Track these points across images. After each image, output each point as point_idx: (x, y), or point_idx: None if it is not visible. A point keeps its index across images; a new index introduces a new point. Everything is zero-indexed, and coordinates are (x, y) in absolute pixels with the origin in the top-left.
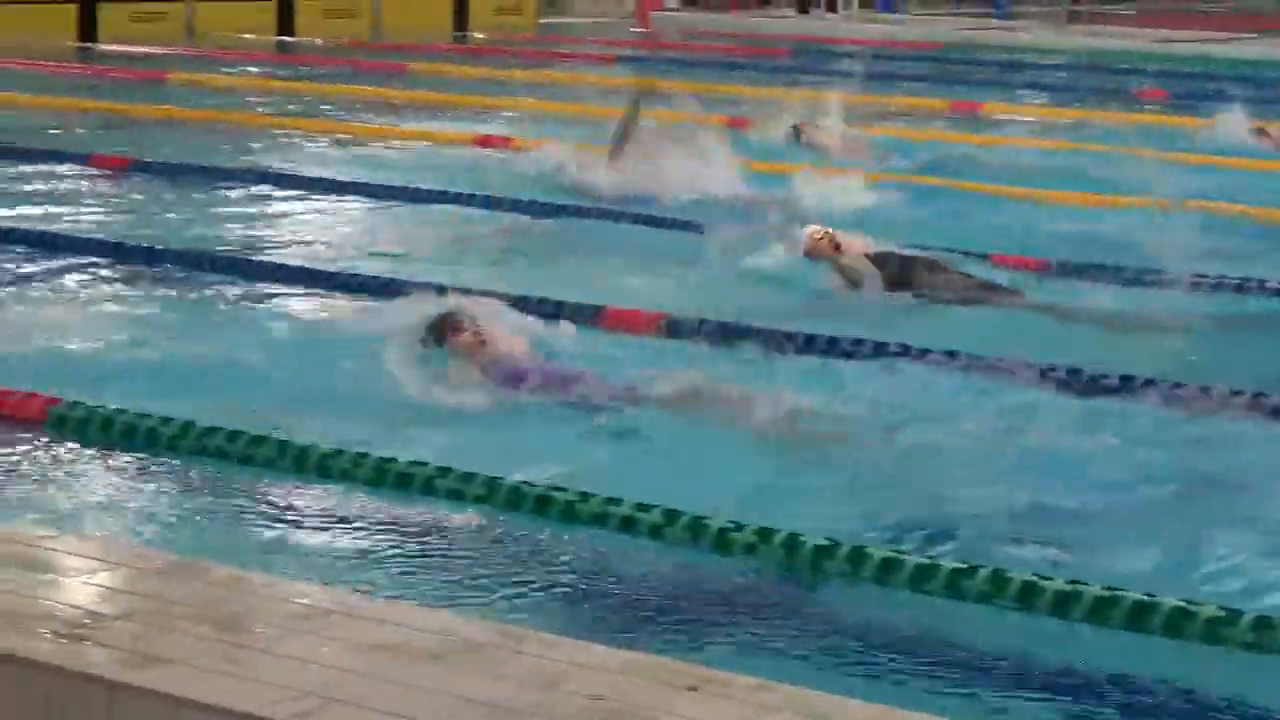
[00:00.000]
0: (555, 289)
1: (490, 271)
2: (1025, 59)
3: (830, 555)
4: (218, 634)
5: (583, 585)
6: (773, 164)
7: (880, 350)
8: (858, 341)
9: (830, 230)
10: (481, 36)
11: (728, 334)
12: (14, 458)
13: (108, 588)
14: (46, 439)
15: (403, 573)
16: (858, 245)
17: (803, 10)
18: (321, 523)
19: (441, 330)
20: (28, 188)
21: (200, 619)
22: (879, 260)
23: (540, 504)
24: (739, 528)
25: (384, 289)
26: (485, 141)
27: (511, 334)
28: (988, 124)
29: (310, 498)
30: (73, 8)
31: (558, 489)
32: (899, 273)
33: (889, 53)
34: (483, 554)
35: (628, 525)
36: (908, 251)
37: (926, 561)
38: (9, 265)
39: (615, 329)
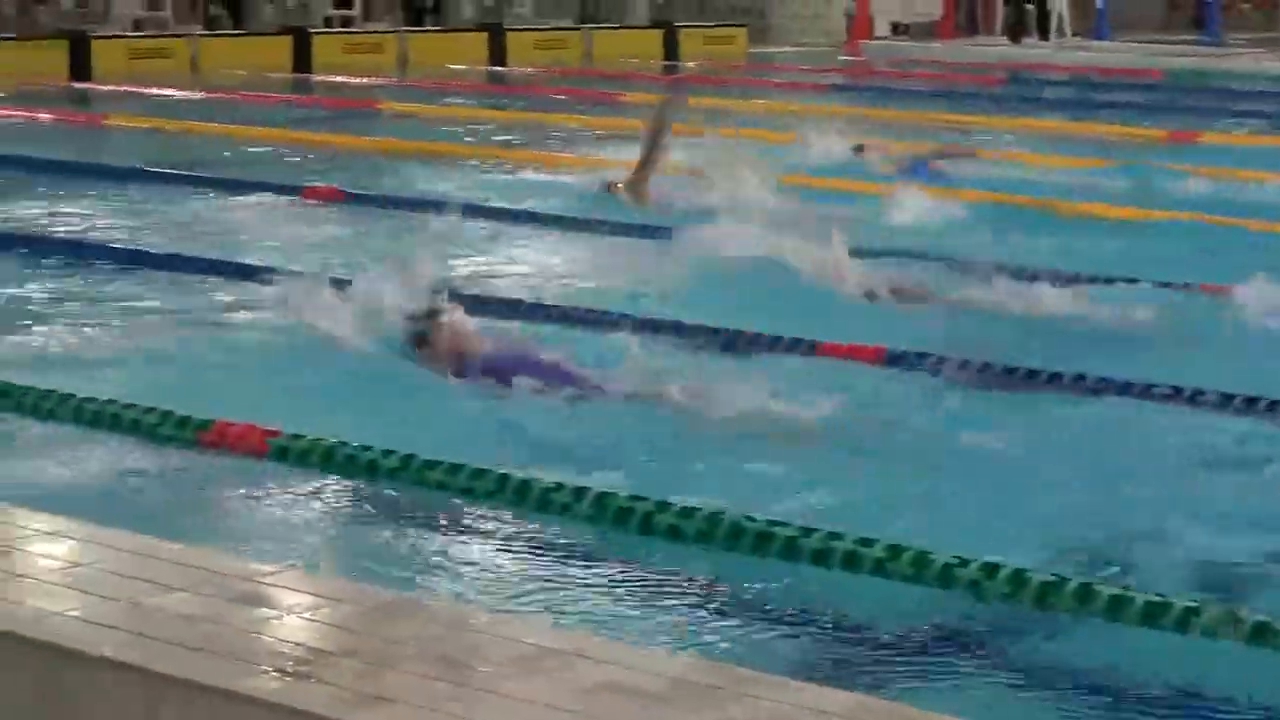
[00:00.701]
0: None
1: (707, 303)
2: (1242, 85)
3: (1057, 592)
4: (440, 673)
5: (809, 624)
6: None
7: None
8: None
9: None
10: (692, 65)
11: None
12: (236, 491)
13: (329, 625)
14: (267, 471)
15: (627, 612)
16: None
17: (1014, 39)
18: (543, 559)
19: (420, 325)
20: (240, 219)
21: (422, 658)
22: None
23: (761, 540)
24: (963, 563)
25: (595, 321)
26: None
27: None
28: (1204, 151)
29: (532, 533)
30: (288, 39)
31: (778, 524)
32: None
33: (1102, 80)
34: (707, 592)
35: (850, 561)
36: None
37: (1157, 599)
38: (221, 296)
39: (832, 359)
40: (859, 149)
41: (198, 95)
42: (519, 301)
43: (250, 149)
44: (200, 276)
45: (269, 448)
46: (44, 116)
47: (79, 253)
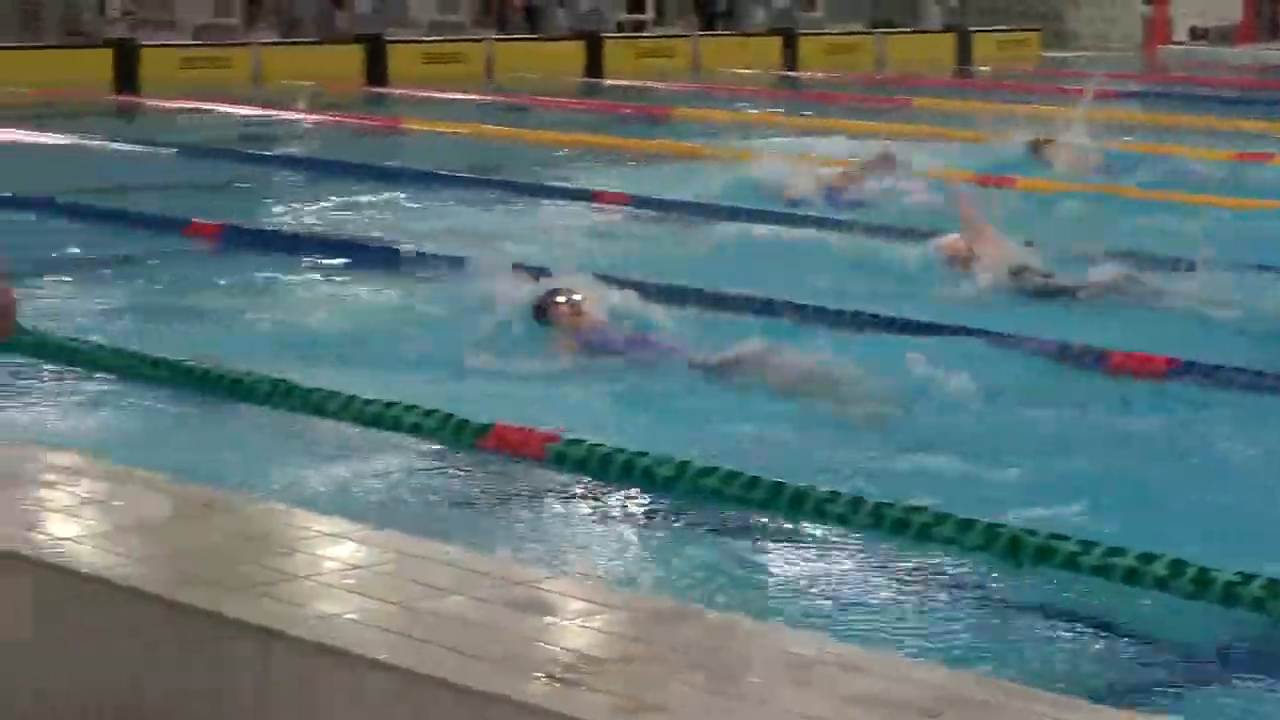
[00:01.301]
0: None
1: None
2: None
3: None
4: (712, 683)
5: (1086, 639)
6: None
7: None
8: None
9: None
10: (985, 70)
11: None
12: (513, 494)
13: (602, 631)
14: (545, 476)
15: (898, 622)
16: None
17: None
18: (815, 569)
19: (542, 303)
20: (530, 224)
21: (694, 666)
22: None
23: (1041, 554)
24: (1246, 580)
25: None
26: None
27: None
28: None
29: (805, 541)
30: (580, 44)
31: (1058, 538)
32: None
33: None
34: (980, 604)
35: (1131, 576)
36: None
37: None
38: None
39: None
40: (1037, 147)
41: (490, 99)
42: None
43: (541, 153)
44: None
45: (547, 453)
46: (339, 120)
47: (365, 254)
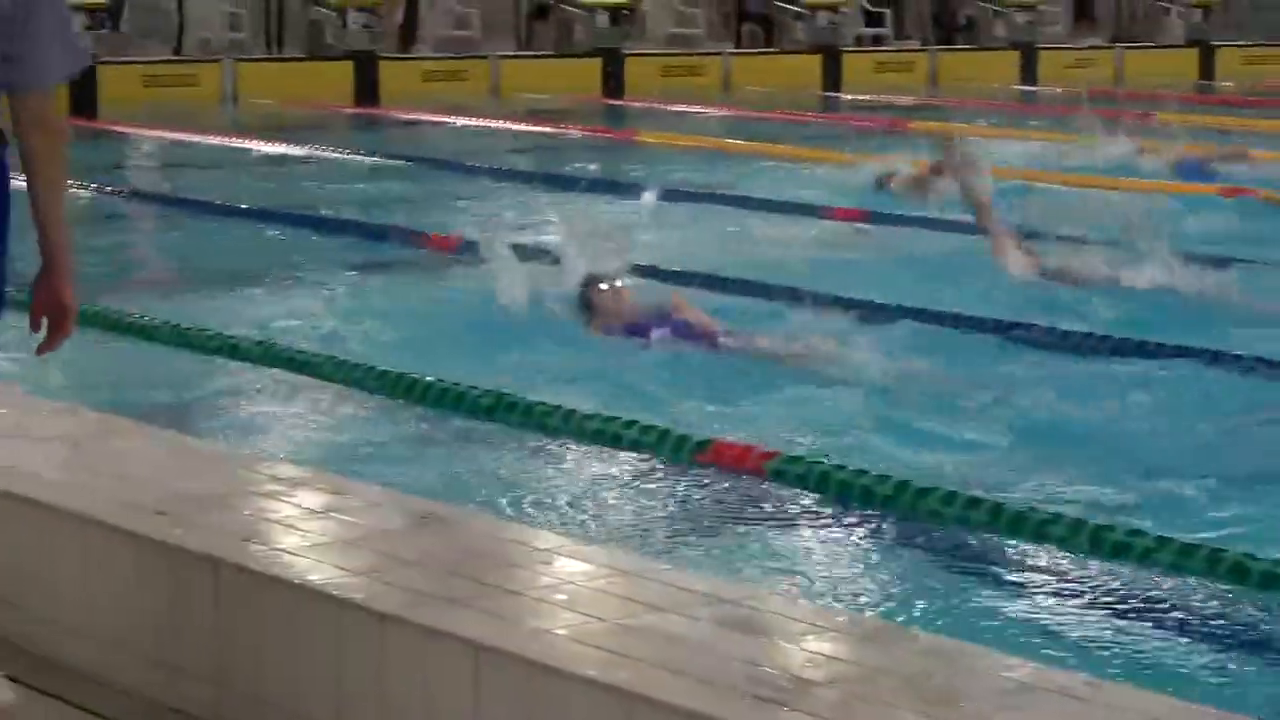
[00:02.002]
0: None
1: None
2: None
3: None
4: (924, 706)
5: None
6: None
7: None
8: None
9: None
10: (1229, 85)
11: None
12: (729, 511)
13: (813, 652)
14: (763, 492)
15: (1119, 649)
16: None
17: None
18: (1033, 593)
19: (586, 290)
20: (767, 237)
21: (906, 690)
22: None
23: (1268, 580)
24: None
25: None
26: (1231, 192)
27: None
28: None
29: (1022, 564)
30: (817, 58)
31: None
32: None
33: None
34: (1208, 633)
35: None
36: None
37: None
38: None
39: None
40: (1141, 150)
41: (727, 113)
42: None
43: (778, 167)
44: (732, 296)
45: (765, 469)
46: (574, 132)
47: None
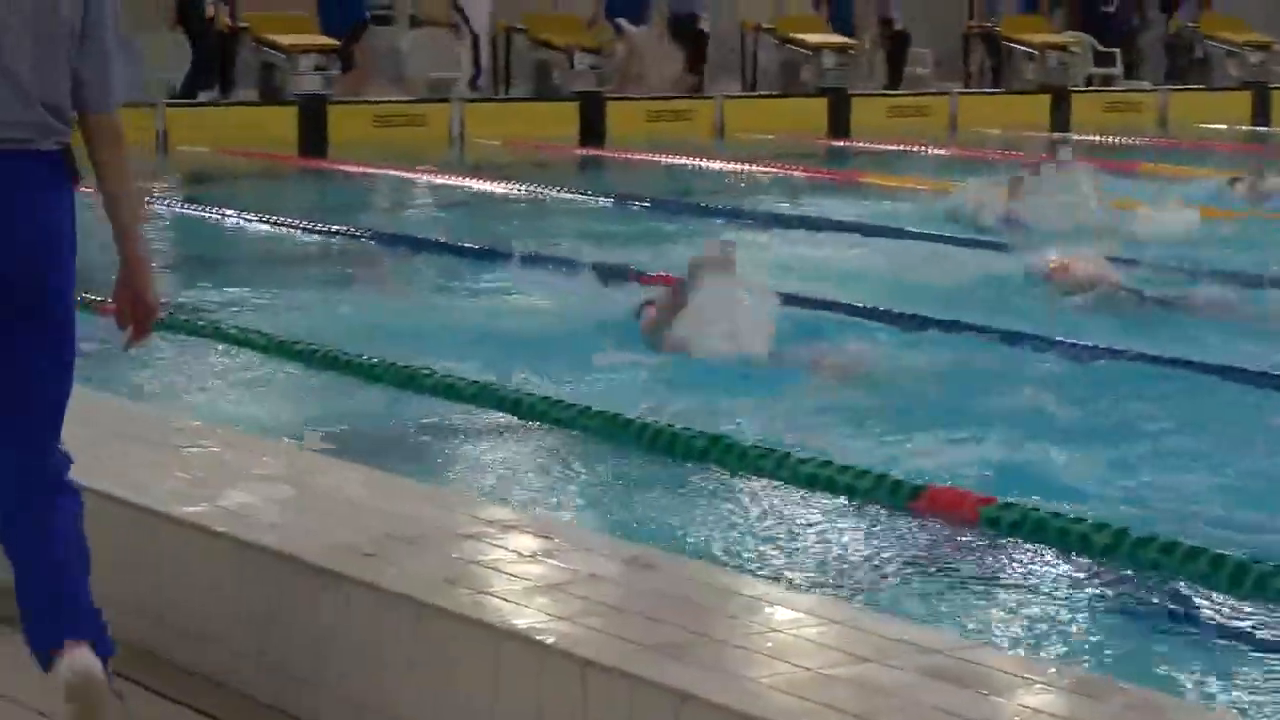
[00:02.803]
0: None
1: None
2: None
3: None
4: None
5: None
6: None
7: None
8: None
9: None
10: None
11: None
12: (941, 558)
13: (1021, 705)
14: (978, 541)
15: None
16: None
17: None
18: (1253, 647)
19: (640, 308)
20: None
21: None
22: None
23: None
24: None
25: None
26: None
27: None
28: None
29: (1246, 618)
30: (1046, 98)
31: None
32: None
33: None
34: None
35: None
36: None
37: None
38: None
39: None
40: (1233, 182)
41: (953, 153)
42: None
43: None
44: (965, 334)
45: (980, 516)
46: (799, 173)
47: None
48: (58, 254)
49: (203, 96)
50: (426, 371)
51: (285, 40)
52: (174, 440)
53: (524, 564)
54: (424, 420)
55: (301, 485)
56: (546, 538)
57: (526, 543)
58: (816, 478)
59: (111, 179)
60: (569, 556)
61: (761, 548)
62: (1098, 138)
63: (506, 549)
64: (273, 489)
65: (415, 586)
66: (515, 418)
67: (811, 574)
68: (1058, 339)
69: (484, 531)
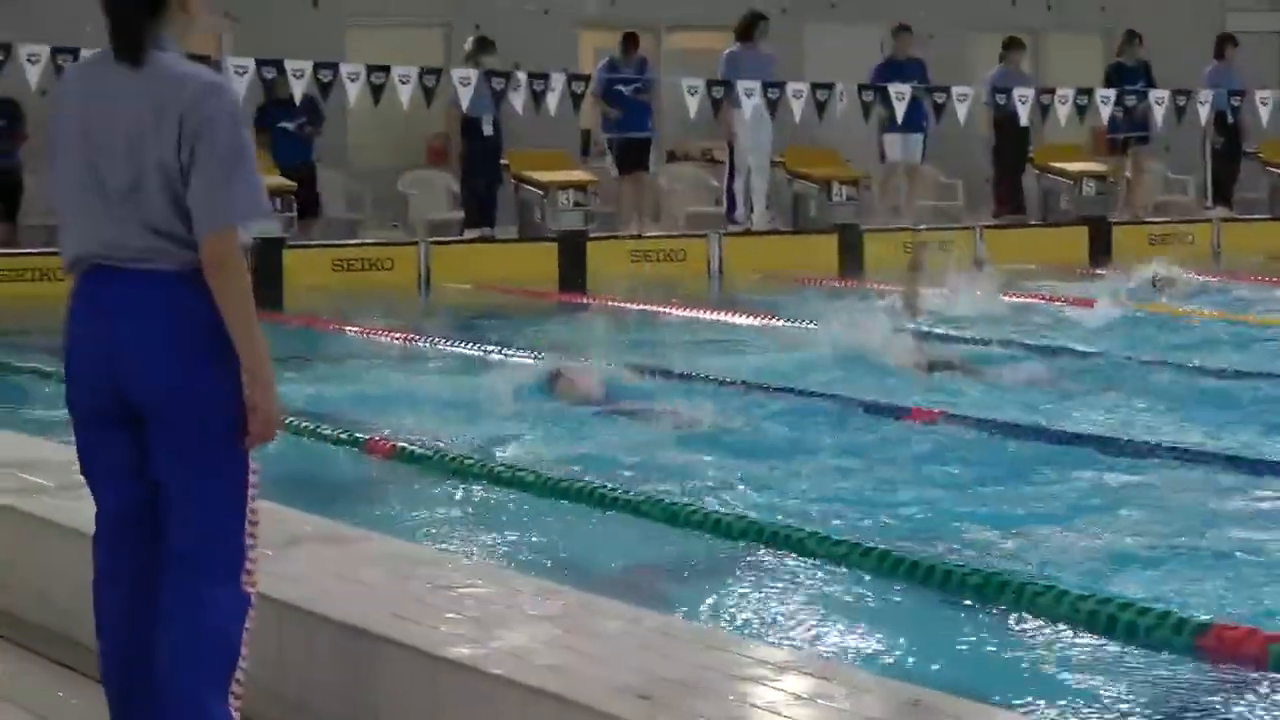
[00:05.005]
0: None
1: None
2: None
3: None
4: None
5: None
6: None
7: None
8: None
9: None
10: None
11: None
12: (1225, 698)
13: None
14: (1261, 678)
15: None
16: None
17: None
18: None
19: (551, 376)
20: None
21: None
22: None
23: None
24: None
25: None
26: None
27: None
28: None
29: None
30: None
31: None
32: None
33: None
34: None
35: None
36: None
37: None
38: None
39: None
40: (1155, 281)
41: (1216, 279)
42: None
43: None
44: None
45: (1269, 654)
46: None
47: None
48: (177, 372)
49: (468, 234)
50: (693, 507)
51: (543, 177)
52: (447, 580)
53: (802, 706)
54: (693, 558)
55: (571, 628)
56: (824, 679)
57: (804, 684)
58: (1096, 616)
59: (220, 302)
60: (848, 699)
61: (1037, 687)
62: None
63: (784, 691)
64: (543, 630)
65: None
66: (786, 554)
67: (1093, 715)
68: None
69: (761, 674)
